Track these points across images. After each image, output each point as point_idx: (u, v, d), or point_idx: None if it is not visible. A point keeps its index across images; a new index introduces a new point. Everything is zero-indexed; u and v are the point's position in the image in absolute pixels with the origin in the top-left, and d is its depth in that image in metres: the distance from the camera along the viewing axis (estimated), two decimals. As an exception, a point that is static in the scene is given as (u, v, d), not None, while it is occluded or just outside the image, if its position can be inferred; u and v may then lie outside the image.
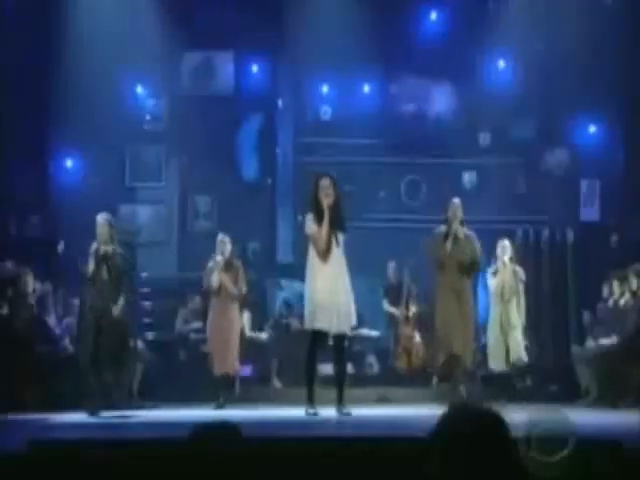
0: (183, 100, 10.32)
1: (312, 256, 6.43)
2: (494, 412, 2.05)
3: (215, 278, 7.80)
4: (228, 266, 7.88)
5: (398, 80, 10.61)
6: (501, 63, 10.38)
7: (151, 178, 10.57)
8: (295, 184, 10.51)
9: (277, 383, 9.14)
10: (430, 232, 7.72)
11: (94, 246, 7.35)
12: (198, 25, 10.06)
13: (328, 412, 6.30)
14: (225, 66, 10.54)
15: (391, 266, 9.55)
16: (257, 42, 10.13)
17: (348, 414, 6.27)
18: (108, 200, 10.05)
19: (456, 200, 7.48)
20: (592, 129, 10.35)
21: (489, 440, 1.94)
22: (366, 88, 10.56)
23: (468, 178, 10.00)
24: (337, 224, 6.37)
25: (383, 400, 8.36)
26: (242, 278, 7.94)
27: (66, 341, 8.55)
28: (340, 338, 6.51)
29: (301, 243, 9.59)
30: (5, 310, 8.06)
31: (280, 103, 10.67)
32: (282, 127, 10.72)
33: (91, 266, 7.30)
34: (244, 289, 7.97)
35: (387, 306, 9.53)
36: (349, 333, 6.68)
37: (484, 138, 10.37)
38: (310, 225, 6.40)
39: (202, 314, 8.95)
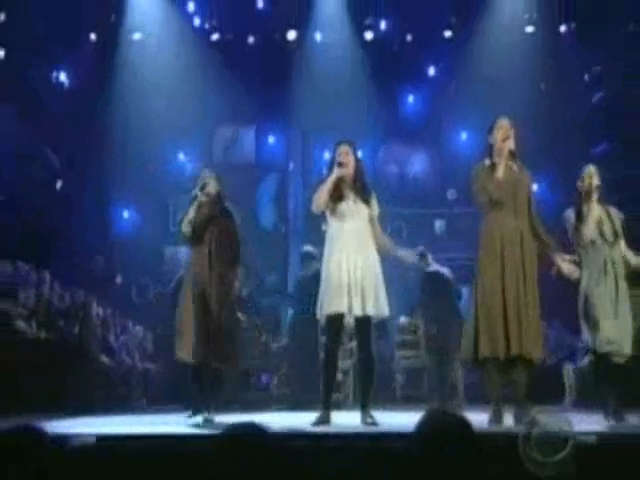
0: (214, 166, 11.35)
1: (327, 240, 5.40)
2: (463, 419, 2.10)
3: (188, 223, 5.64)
4: (212, 211, 5.73)
5: (385, 147, 12.60)
6: (463, 135, 12.31)
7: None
8: (305, 231, 11.79)
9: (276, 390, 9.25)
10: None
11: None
12: (228, 105, 11.40)
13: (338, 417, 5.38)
14: (248, 138, 12.39)
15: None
16: (273, 118, 12.06)
17: (374, 424, 5.03)
18: (155, 242, 11.87)
19: (505, 121, 5.01)
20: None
21: (458, 444, 2.00)
22: (359, 153, 12.55)
23: (438, 225, 12.02)
24: (356, 194, 5.43)
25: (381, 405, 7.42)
26: (232, 232, 5.74)
27: (123, 354, 9.41)
28: (360, 324, 5.18)
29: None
30: (77, 329, 8.90)
31: (291, 166, 12.27)
32: (293, 185, 12.20)
33: None
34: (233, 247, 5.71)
35: (402, 319, 9.45)
36: (373, 315, 5.19)
37: (451, 193, 12.29)
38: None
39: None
